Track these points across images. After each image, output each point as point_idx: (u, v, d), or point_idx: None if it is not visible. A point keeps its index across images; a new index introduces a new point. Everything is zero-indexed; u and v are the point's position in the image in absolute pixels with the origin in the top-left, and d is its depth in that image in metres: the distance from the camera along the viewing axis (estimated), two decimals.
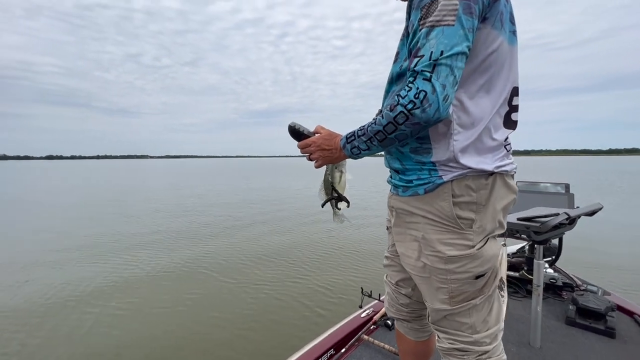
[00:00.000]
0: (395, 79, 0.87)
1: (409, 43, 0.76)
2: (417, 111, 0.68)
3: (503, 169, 0.82)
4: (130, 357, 2.43)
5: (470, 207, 0.80)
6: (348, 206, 1.12)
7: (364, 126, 0.81)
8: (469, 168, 0.78)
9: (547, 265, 2.32)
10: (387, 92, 0.91)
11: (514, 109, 0.85)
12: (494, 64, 0.77)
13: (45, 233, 6.44)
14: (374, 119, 0.79)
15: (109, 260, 4.68)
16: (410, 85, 0.69)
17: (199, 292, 3.52)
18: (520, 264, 2.43)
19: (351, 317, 1.89)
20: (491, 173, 0.80)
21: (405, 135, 0.74)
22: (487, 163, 0.80)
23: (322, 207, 1.14)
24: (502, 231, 0.85)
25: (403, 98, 0.69)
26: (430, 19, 0.69)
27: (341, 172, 1.10)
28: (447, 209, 0.80)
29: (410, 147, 0.84)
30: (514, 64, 0.82)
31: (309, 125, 1.02)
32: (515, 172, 0.87)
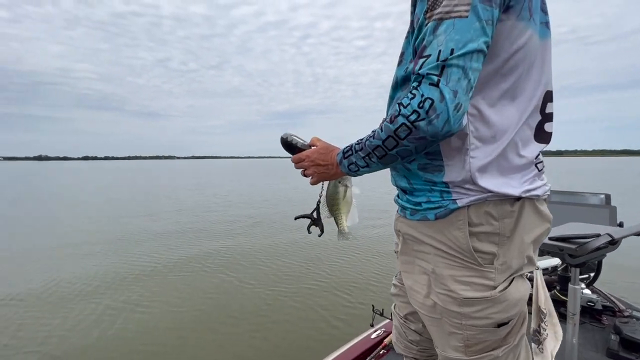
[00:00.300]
0: (400, 83, 0.74)
1: (414, 40, 0.64)
2: (422, 123, 0.56)
3: (533, 193, 0.67)
4: (137, 354, 2.48)
5: (491, 238, 0.66)
6: (321, 235, 1.00)
7: (362, 139, 0.70)
8: (490, 192, 0.64)
9: (583, 285, 2.08)
10: (392, 98, 0.79)
11: (547, 117, 0.70)
12: (521, 64, 0.63)
13: (74, 228, 6.79)
14: (373, 131, 0.68)
15: (130, 257, 4.84)
16: (413, 91, 0.57)
17: (216, 294, 3.52)
18: (552, 282, 2.20)
19: (360, 337, 1.76)
20: (518, 198, 0.66)
21: (409, 151, 0.62)
22: (512, 186, 0.66)
23: (295, 220, 1.03)
24: (532, 268, 0.70)
25: (405, 107, 0.58)
26: (438, 10, 0.57)
27: (346, 186, 0.97)
28: (462, 240, 0.66)
29: (419, 163, 0.71)
30: (546, 63, 0.67)
31: (307, 137, 0.91)
32: (548, 194, 0.72)
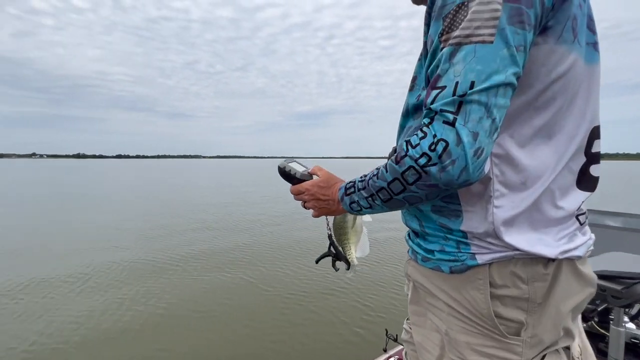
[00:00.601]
0: (412, 111, 0.65)
1: (427, 66, 0.55)
2: (434, 169, 0.47)
3: (573, 253, 0.55)
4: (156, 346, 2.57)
5: (519, 304, 0.55)
6: (348, 269, 0.89)
7: (365, 176, 0.63)
8: (517, 250, 0.53)
9: (626, 318, 1.86)
10: (402, 127, 0.69)
11: (593, 159, 0.58)
12: (561, 95, 0.52)
13: (106, 224, 7.10)
14: (377, 168, 0.60)
15: (158, 252, 5.01)
16: (425, 129, 0.49)
17: (235, 298, 3.52)
18: (590, 312, 1.98)
19: None
20: (554, 259, 0.54)
21: (418, 198, 0.54)
22: (547, 244, 0.54)
23: (317, 263, 0.93)
24: (569, 342, 0.59)
25: (413, 148, 0.49)
26: (457, 33, 0.47)
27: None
28: (481, 303, 0.56)
29: (433, 205, 0.62)
30: (593, 92, 0.55)
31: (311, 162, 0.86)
32: (591, 251, 0.60)
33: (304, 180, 0.78)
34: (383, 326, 2.91)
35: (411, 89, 0.66)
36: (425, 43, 0.59)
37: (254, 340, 2.72)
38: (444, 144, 0.46)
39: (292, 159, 0.86)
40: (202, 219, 7.89)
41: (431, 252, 0.63)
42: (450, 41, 0.48)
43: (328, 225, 0.89)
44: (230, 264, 4.62)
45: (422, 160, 0.48)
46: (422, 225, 0.65)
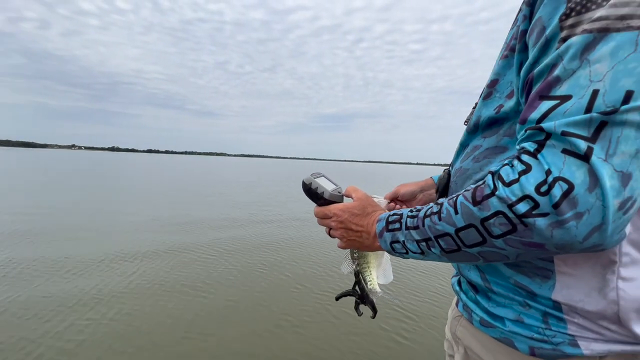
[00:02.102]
0: (484, 126, 0.52)
1: (530, 64, 0.41)
2: (541, 222, 0.34)
3: None
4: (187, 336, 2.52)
5: None
6: (374, 316, 0.71)
7: (418, 212, 0.50)
8: None
9: None
10: (464, 145, 0.58)
11: None
12: None
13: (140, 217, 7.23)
14: (439, 204, 0.47)
15: (183, 250, 4.83)
16: (526, 160, 0.36)
17: (266, 294, 3.33)
18: None
19: None
20: None
21: (503, 257, 0.41)
22: None
23: (337, 300, 0.78)
24: None
25: (507, 185, 0.36)
26: (601, 13, 0.33)
27: None
28: None
29: None
30: None
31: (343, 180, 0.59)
32: None
33: (334, 202, 0.64)
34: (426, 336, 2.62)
35: (487, 96, 0.51)
36: (522, 32, 0.44)
37: (278, 334, 2.61)
38: (565, 186, 0.32)
39: (319, 173, 0.70)
40: (235, 216, 7.68)
41: (499, 318, 0.48)
42: (586, 26, 0.34)
43: (354, 258, 0.71)
44: (265, 261, 4.43)
45: (522, 207, 0.34)
46: (485, 279, 0.51)
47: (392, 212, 0.56)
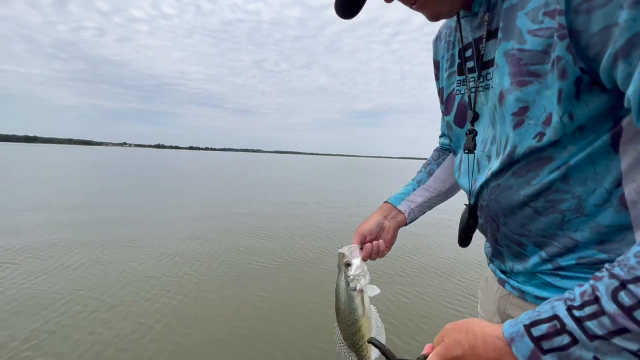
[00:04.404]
0: (521, 159, 0.48)
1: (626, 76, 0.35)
2: None
3: None
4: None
5: None
6: None
7: (592, 299, 0.32)
8: None
9: None
10: (490, 181, 0.54)
11: None
12: None
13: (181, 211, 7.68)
14: (617, 286, 0.31)
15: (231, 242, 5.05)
16: None
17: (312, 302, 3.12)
18: None
19: None
20: None
21: None
22: None
23: None
24: None
25: None
26: None
27: (359, 290, 0.61)
28: None
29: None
30: None
31: None
32: None
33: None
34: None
35: (518, 124, 0.47)
36: (558, 58, 0.41)
37: (303, 341, 2.50)
38: None
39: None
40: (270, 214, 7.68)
41: (561, 290, 0.45)
42: None
43: (339, 296, 0.62)
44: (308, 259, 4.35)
45: None
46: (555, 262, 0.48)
47: (526, 318, 0.37)
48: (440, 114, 0.75)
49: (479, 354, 0.39)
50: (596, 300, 0.32)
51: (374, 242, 0.71)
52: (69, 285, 3.24)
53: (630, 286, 0.30)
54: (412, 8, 0.55)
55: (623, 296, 0.30)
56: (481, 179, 0.56)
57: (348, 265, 0.62)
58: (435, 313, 3.02)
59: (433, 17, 0.55)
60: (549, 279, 0.50)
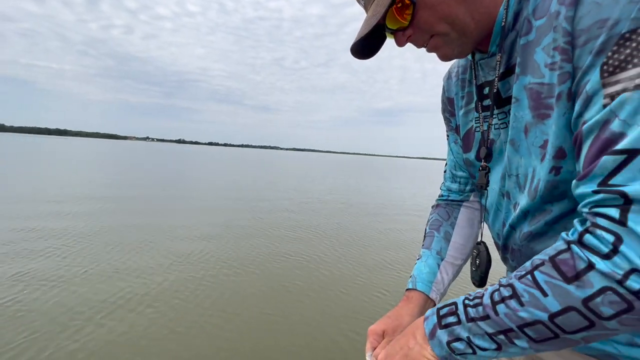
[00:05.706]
0: (551, 189, 0.47)
1: (575, 118, 0.41)
2: None
3: None
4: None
5: None
6: None
7: (479, 298, 0.44)
8: None
9: None
10: (524, 210, 0.52)
11: None
12: None
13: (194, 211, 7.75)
14: (509, 284, 0.41)
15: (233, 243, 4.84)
16: (615, 227, 0.33)
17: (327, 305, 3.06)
18: None
19: None
20: None
21: (611, 334, 0.36)
22: None
23: None
24: None
25: (606, 258, 0.33)
26: None
27: None
28: None
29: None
30: None
31: None
32: None
33: None
34: None
35: (543, 158, 0.46)
36: (560, 93, 0.42)
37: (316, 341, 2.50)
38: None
39: None
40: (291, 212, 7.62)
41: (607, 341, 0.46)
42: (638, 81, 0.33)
43: None
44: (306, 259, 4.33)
45: (634, 281, 0.31)
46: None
47: (443, 305, 0.48)
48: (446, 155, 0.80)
49: (406, 331, 0.51)
50: (482, 296, 0.43)
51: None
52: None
53: (502, 289, 0.41)
54: (425, 49, 0.56)
55: (495, 295, 0.41)
56: (510, 217, 0.56)
57: None
58: None
59: (444, 58, 0.56)
60: None
